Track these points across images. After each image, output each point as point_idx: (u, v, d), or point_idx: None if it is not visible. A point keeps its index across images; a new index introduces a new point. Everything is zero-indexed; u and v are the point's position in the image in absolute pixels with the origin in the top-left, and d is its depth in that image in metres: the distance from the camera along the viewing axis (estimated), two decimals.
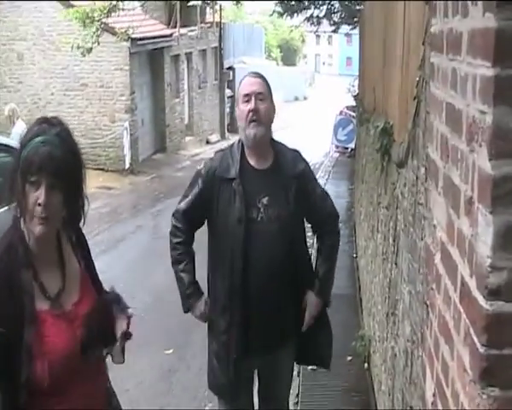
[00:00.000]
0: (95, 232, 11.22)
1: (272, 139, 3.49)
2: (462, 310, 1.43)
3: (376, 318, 4.82)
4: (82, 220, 2.31)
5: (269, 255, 3.33)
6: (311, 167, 3.76)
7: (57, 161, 2.10)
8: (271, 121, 3.43)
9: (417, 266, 2.52)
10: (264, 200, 3.34)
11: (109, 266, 9.23)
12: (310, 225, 3.70)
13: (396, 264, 3.42)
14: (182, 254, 3.51)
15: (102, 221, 12.19)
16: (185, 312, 3.61)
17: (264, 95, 3.36)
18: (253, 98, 3.31)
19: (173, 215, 3.58)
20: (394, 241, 3.50)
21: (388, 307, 3.83)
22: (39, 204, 2.06)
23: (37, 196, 2.06)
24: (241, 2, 16.48)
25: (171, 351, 6.36)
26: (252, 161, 3.41)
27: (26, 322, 2.06)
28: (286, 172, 3.40)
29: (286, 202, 3.36)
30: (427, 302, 1.99)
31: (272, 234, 3.33)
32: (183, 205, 3.53)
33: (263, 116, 3.32)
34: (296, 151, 3.60)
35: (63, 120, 2.24)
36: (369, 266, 5.90)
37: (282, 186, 3.38)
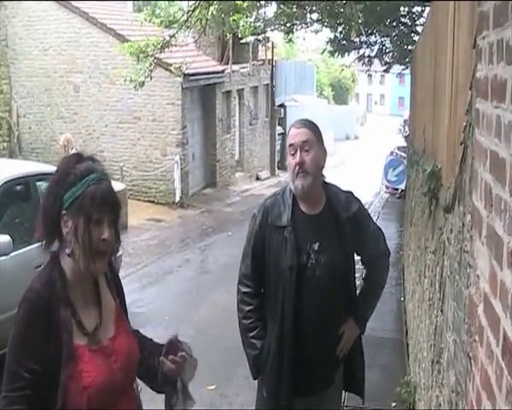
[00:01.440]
0: (143, 264, 11.35)
1: (324, 182, 3.47)
2: (504, 366, 1.38)
3: (422, 364, 4.70)
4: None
5: (319, 301, 3.31)
6: None
7: (115, 196, 2.16)
8: (321, 168, 3.38)
9: (462, 315, 2.45)
10: (315, 246, 3.33)
11: (155, 298, 9.31)
12: (360, 258, 3.67)
13: (442, 311, 3.33)
14: (254, 322, 3.48)
15: (151, 253, 12.32)
16: (255, 378, 3.59)
17: (310, 143, 3.30)
18: (298, 150, 3.27)
19: (239, 283, 3.56)
20: (440, 287, 3.42)
21: (433, 355, 3.73)
22: (103, 240, 2.10)
23: (101, 232, 2.10)
24: (293, 40, 16.47)
25: (213, 387, 6.29)
26: (303, 207, 3.40)
27: (64, 359, 2.06)
28: (339, 214, 3.38)
29: (337, 246, 3.34)
30: (470, 354, 1.93)
31: (322, 279, 3.31)
32: (244, 269, 3.54)
33: (309, 167, 3.28)
34: (349, 192, 3.57)
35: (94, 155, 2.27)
36: (416, 311, 5.78)
37: (335, 230, 3.36)
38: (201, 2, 10.95)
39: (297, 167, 3.27)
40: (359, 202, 3.56)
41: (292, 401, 3.40)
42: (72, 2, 17.83)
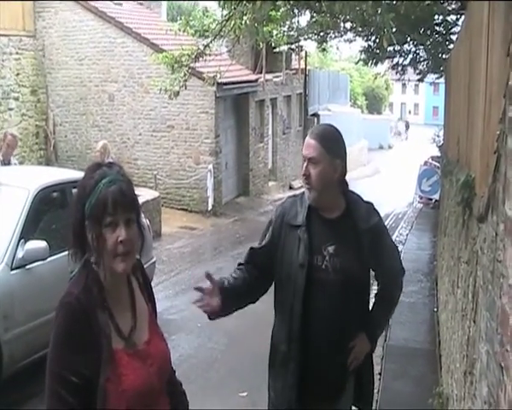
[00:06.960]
0: (176, 271, 11.43)
1: (346, 189, 3.41)
2: None
3: (455, 375, 4.65)
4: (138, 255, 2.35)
5: (330, 305, 3.24)
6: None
7: (128, 195, 2.17)
8: (329, 183, 3.29)
9: (495, 326, 2.42)
10: (331, 248, 3.27)
11: (188, 306, 9.31)
12: (374, 274, 3.58)
13: (474, 321, 3.30)
14: (234, 271, 3.55)
15: (184, 261, 12.39)
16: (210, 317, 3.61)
17: (317, 159, 3.23)
18: (305, 163, 3.27)
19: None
20: (473, 297, 3.39)
21: (466, 366, 3.69)
22: (121, 241, 2.12)
23: (117, 234, 2.12)
24: (327, 49, 16.45)
25: (245, 394, 6.29)
26: (320, 211, 3.36)
27: (103, 362, 2.09)
28: (358, 224, 3.32)
29: (355, 254, 3.28)
30: (502, 364, 1.91)
31: (335, 283, 3.24)
32: (252, 246, 3.56)
33: (313, 182, 3.26)
34: (369, 203, 3.51)
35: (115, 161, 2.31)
36: (449, 322, 5.72)
37: (353, 238, 3.30)
38: (235, 12, 11.00)
39: (303, 178, 3.31)
40: (379, 214, 3.49)
41: (298, 405, 3.30)
42: (108, 13, 18.12)
